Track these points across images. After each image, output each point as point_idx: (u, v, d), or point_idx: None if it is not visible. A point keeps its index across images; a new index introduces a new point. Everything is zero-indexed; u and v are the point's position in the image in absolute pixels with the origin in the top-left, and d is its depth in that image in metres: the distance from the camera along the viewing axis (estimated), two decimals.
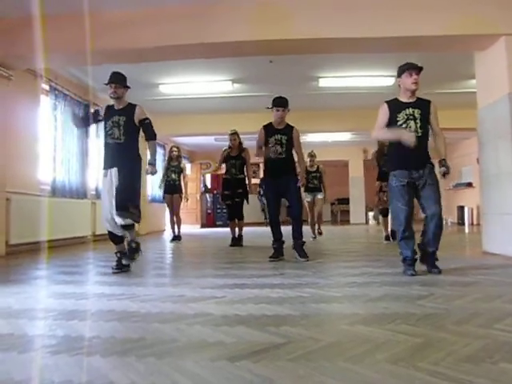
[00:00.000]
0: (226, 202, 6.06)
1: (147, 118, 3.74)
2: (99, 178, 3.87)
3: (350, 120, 9.12)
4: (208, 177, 13.98)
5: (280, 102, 4.35)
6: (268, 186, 4.52)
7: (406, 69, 3.27)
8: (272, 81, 7.13)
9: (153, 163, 3.84)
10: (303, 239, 4.38)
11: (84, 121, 4.09)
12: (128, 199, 3.54)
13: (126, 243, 3.72)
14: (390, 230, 6.04)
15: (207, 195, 13.87)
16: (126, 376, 1.36)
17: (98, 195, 6.77)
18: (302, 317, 2.07)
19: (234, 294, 2.65)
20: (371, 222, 13.09)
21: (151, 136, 3.81)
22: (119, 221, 3.55)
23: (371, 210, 13.54)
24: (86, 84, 6.81)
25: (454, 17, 4.33)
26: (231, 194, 5.97)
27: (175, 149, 7.12)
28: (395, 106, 3.32)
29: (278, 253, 4.37)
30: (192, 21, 4.61)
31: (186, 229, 12.09)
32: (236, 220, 6.05)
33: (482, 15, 4.32)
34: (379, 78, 6.91)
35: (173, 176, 7.01)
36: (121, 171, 3.58)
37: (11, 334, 1.82)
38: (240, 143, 6.02)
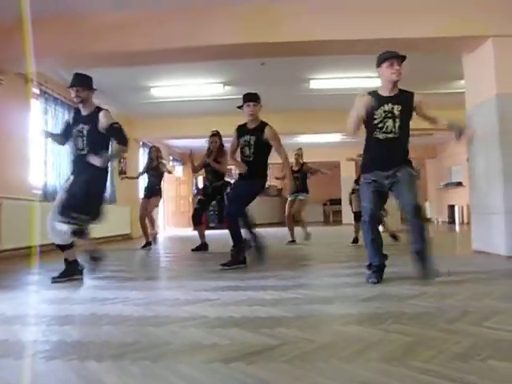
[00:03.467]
0: (196, 206, 6.07)
1: (116, 123, 3.41)
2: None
3: (341, 121, 9.00)
4: (200, 179, 13.96)
5: (250, 97, 4.00)
6: (234, 186, 4.33)
7: (386, 58, 2.92)
8: (263, 83, 7.14)
9: (107, 156, 3.45)
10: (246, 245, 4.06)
11: (62, 138, 3.63)
12: (72, 206, 3.27)
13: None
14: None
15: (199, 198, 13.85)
16: (121, 380, 1.36)
17: None
18: (295, 318, 2.09)
19: (227, 296, 2.66)
20: None
21: (121, 141, 3.44)
22: (60, 227, 3.29)
23: None
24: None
25: (442, 19, 4.38)
26: (205, 201, 5.94)
27: (153, 149, 6.83)
28: (375, 100, 2.96)
29: (234, 260, 3.89)
30: (183, 24, 4.62)
31: (179, 231, 12.09)
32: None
33: (469, 17, 4.37)
34: (369, 80, 6.93)
35: (152, 179, 6.69)
36: (75, 179, 3.40)
37: (5, 341, 1.81)
38: (221, 145, 5.67)
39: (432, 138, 11.49)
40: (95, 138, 3.39)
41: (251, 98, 4.00)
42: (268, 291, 2.77)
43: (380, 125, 2.94)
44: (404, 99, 2.98)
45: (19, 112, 5.71)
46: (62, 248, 3.42)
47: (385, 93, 3.00)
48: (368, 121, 3.00)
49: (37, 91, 6.13)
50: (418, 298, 2.43)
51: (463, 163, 10.69)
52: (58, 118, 6.57)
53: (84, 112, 3.47)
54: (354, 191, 6.07)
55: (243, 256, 3.95)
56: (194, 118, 9.14)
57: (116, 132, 3.41)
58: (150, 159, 6.74)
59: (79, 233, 3.35)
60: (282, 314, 2.16)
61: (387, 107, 2.93)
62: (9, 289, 3.14)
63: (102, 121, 3.38)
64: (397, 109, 2.93)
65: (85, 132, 3.37)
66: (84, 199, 3.31)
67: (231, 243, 4.00)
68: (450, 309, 2.16)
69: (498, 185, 4.32)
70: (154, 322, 2.06)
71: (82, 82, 3.44)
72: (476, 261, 4.03)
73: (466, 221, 11.62)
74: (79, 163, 3.46)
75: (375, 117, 2.95)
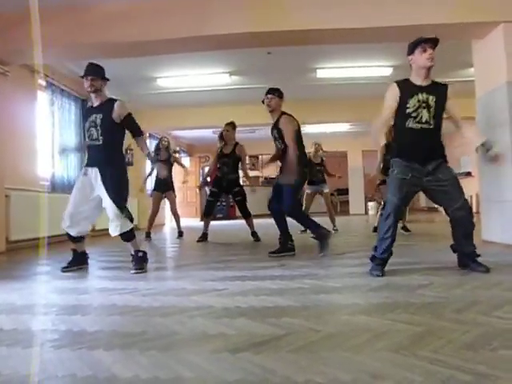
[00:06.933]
0: (209, 199, 5.83)
1: (129, 114, 3.44)
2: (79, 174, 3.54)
3: (348, 111, 9.09)
4: (207, 170, 13.97)
5: (268, 90, 4.06)
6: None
7: (418, 43, 2.76)
8: (270, 72, 7.10)
9: (148, 155, 3.71)
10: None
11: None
12: (119, 206, 3.30)
13: (132, 252, 3.44)
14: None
15: (206, 188, 13.85)
16: (128, 369, 1.37)
17: None
18: (302, 308, 2.08)
19: (234, 286, 2.67)
20: (371, 212, 13.11)
21: (136, 132, 3.53)
22: (114, 232, 3.33)
23: (370, 201, 13.57)
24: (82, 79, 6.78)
25: (451, 5, 4.30)
26: (218, 193, 5.81)
27: (165, 139, 6.64)
28: (406, 89, 2.80)
29: (282, 247, 4.06)
30: (188, 14, 4.59)
31: (186, 222, 12.13)
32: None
33: (479, 2, 4.29)
34: (377, 69, 6.87)
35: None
36: (104, 177, 3.30)
37: (15, 330, 1.83)
38: (233, 138, 5.72)
39: None
40: (109, 127, 3.36)
41: (268, 91, 4.05)
42: (275, 281, 2.77)
43: (413, 114, 2.78)
44: (438, 90, 2.84)
45: (26, 104, 5.72)
46: (76, 239, 3.49)
47: (417, 82, 2.83)
48: (400, 110, 2.84)
49: (43, 83, 6.13)
50: (427, 287, 2.42)
51: (472, 153, 10.59)
52: (65, 110, 6.59)
53: (96, 103, 3.44)
54: (383, 182, 5.82)
55: (292, 244, 4.12)
56: (200, 109, 9.11)
57: (129, 122, 3.45)
58: (158, 149, 6.52)
59: (129, 235, 3.40)
60: (288, 304, 2.16)
61: (421, 96, 2.78)
62: (18, 279, 3.17)
63: (118, 111, 3.36)
64: (432, 99, 2.78)
65: (98, 121, 3.34)
66: (122, 194, 3.39)
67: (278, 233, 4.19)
68: (459, 299, 2.14)
69: (509, 172, 4.25)
70: (161, 312, 2.07)
71: (96, 72, 3.42)
72: (485, 251, 3.97)
73: (475, 210, 11.55)
74: (97, 156, 3.38)
75: (408, 106, 2.79)
